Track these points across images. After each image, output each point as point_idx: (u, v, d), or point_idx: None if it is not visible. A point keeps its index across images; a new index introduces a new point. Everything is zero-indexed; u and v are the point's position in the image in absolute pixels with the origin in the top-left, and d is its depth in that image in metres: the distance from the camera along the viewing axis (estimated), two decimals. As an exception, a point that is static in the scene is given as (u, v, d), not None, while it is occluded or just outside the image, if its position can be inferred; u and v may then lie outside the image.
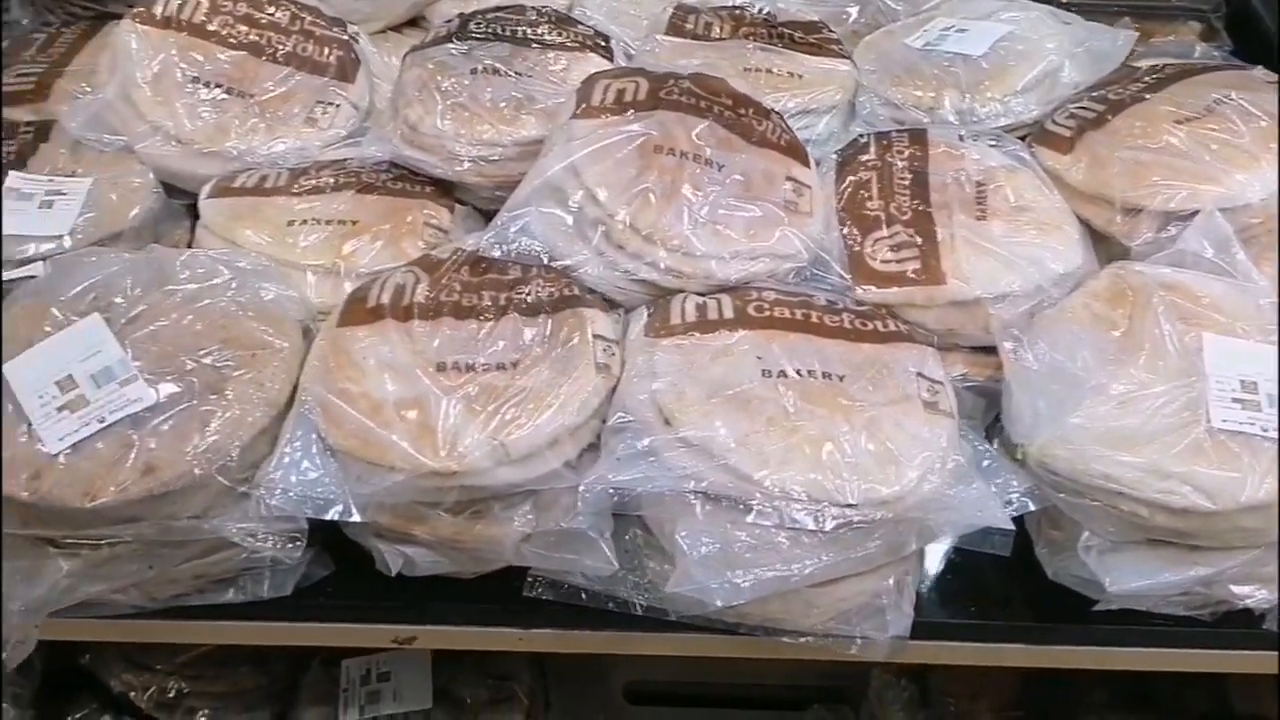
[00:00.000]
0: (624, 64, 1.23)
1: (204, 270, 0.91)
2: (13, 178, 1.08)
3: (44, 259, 1.02)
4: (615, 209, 0.95)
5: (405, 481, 0.82)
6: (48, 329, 0.86)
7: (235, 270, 0.92)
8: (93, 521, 0.81)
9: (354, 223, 1.06)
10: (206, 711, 1.27)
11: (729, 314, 0.92)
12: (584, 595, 0.91)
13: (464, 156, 1.11)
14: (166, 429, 0.81)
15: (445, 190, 1.13)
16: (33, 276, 1.01)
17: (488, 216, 1.15)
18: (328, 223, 1.06)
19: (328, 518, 0.82)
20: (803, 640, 0.88)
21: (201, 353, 0.86)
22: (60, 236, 1.03)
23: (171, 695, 1.27)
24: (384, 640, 0.96)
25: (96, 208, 1.06)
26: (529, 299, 0.92)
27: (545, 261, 0.96)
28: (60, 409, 0.81)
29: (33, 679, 1.26)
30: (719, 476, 0.81)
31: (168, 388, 0.83)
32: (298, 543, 0.82)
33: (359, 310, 0.91)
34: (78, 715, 1.28)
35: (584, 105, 1.02)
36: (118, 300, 0.88)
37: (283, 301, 0.91)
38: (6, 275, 1.01)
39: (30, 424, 0.81)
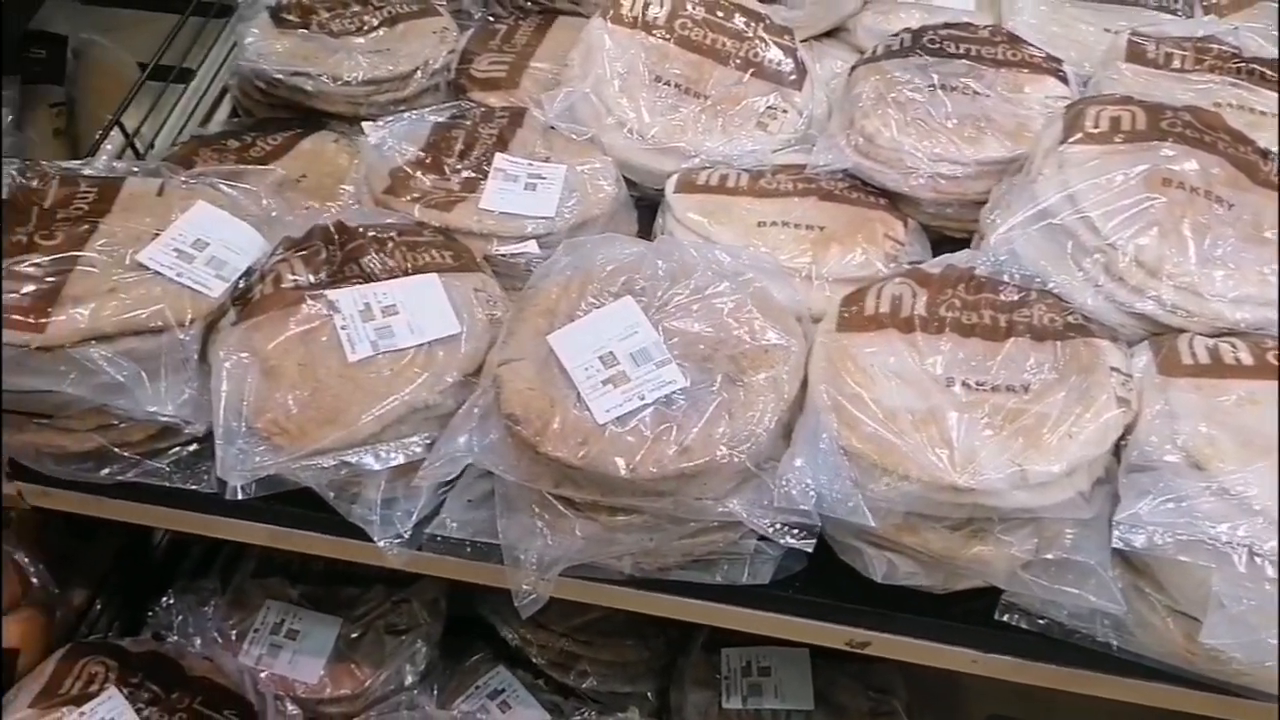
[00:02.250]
0: (1079, 89, 1.21)
1: (719, 264, 0.95)
2: (500, 159, 1.16)
3: (535, 238, 1.11)
4: (1117, 240, 0.94)
5: (917, 492, 0.84)
6: (584, 307, 0.92)
7: (744, 267, 0.96)
8: (625, 491, 0.86)
9: (821, 229, 1.10)
10: (594, 677, 1.33)
11: (1247, 360, 0.88)
12: (1057, 629, 0.90)
13: (922, 171, 1.12)
14: (695, 413, 0.86)
15: (895, 203, 1.15)
16: (526, 253, 1.10)
17: (928, 232, 1.17)
18: (796, 226, 1.10)
19: (839, 516, 0.84)
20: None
21: (721, 344, 0.90)
22: (551, 218, 1.10)
23: (563, 656, 1.34)
24: (838, 641, 0.98)
25: (575, 193, 1.13)
26: (1033, 322, 0.91)
27: (1040, 286, 0.95)
28: (604, 383, 0.87)
29: (439, 622, 1.36)
30: (1262, 530, 0.78)
31: (694, 374, 0.88)
32: (809, 535, 0.85)
33: (858, 317, 0.93)
34: (474, 659, 1.38)
35: (1077, 132, 1.00)
36: (643, 284, 0.93)
37: (787, 301, 0.95)
38: (499, 250, 1.10)
39: (579, 394, 0.87)
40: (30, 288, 0.95)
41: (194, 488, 0.99)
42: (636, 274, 0.95)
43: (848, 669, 1.30)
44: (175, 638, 1.29)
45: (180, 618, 1.34)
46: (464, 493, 0.97)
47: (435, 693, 1.33)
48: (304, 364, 0.96)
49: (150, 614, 1.34)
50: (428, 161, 1.15)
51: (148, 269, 0.99)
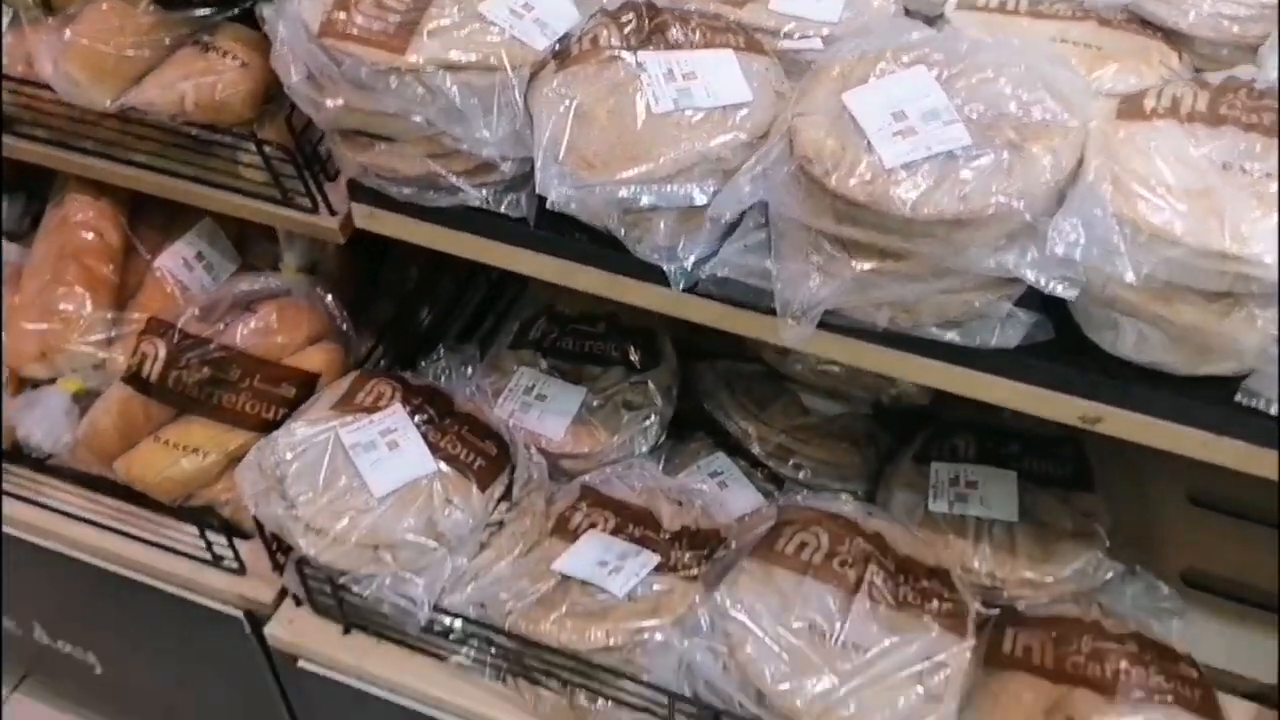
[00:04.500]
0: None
1: (1009, 47, 1.02)
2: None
3: (820, 37, 1.20)
4: None
5: (1182, 257, 0.90)
6: (876, 74, 1.01)
7: (1033, 52, 1.03)
8: (901, 232, 0.95)
9: (1099, 48, 1.15)
10: (807, 471, 1.44)
11: None
12: (1293, 415, 0.94)
13: (1204, 9, 1.15)
14: (976, 168, 0.94)
15: (1170, 39, 1.18)
16: (812, 48, 1.19)
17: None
18: (1075, 44, 1.15)
19: (1103, 269, 0.91)
20: None
21: (1005, 117, 0.97)
22: (835, 22, 1.19)
23: (780, 450, 1.45)
24: (1071, 415, 1.04)
25: (854, 5, 1.22)
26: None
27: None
28: (894, 135, 0.96)
29: (670, 406, 1.49)
30: None
31: (978, 137, 0.95)
32: (1073, 286, 0.92)
33: (1138, 109, 0.99)
34: (696, 444, 1.50)
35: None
36: (935, 58, 1.01)
37: (1074, 86, 1.01)
38: (786, 44, 1.20)
39: (870, 142, 0.96)
40: (394, 18, 1.10)
41: (506, 212, 1.14)
42: (928, 49, 1.03)
43: (1054, 492, 1.36)
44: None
45: (445, 373, 1.51)
46: (741, 239, 1.08)
47: (661, 464, 1.46)
48: (612, 111, 1.09)
49: (420, 366, 1.51)
50: (722, -35, 1.26)
51: (486, 19, 1.13)
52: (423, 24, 1.11)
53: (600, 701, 1.24)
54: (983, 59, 1.02)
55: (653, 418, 1.46)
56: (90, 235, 1.47)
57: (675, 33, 1.14)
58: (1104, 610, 1.26)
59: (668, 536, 1.32)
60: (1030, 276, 0.93)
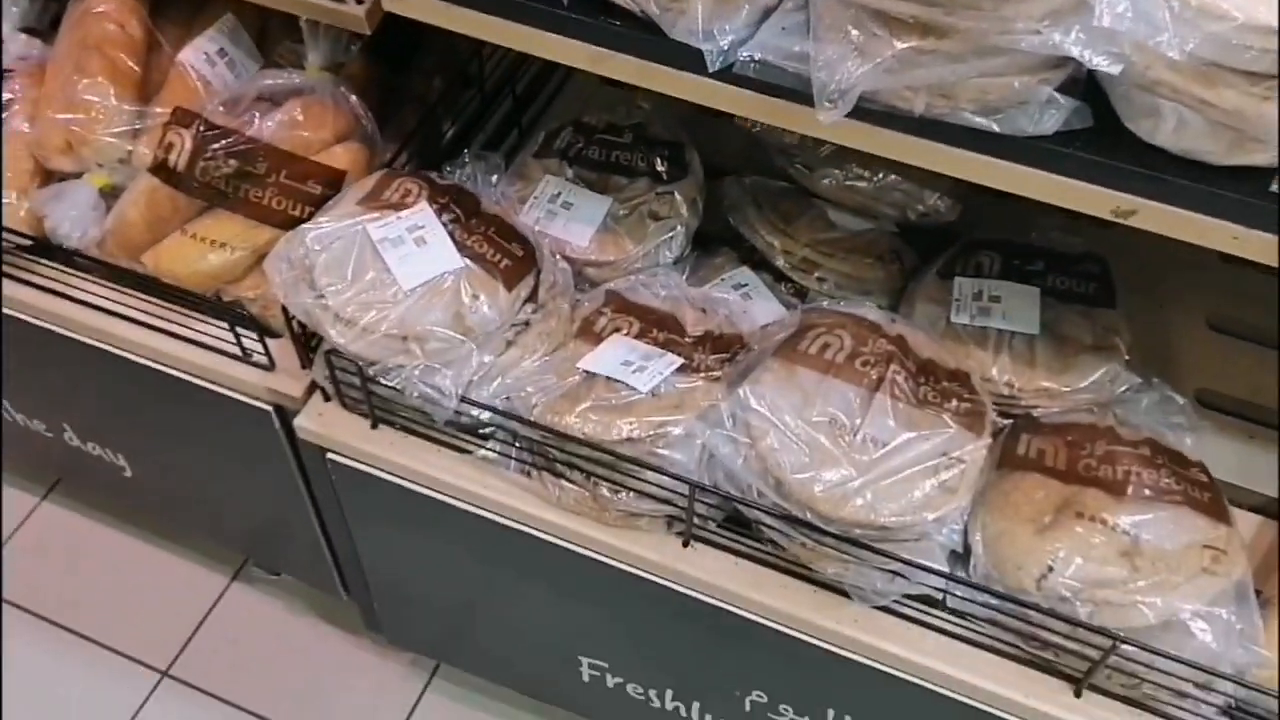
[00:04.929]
0: None
1: None
2: None
3: None
4: None
5: (1227, 33, 0.88)
6: None
7: None
8: (947, 2, 0.93)
9: None
10: (831, 283, 1.44)
11: None
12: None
13: None
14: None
15: None
16: None
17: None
18: None
19: (1150, 45, 0.89)
20: None
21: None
22: None
23: (805, 263, 1.45)
24: (1104, 208, 1.04)
25: None
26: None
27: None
28: (942, -99, 0.94)
29: (695, 218, 1.49)
30: None
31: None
32: (1117, 61, 0.91)
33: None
34: (721, 258, 1.51)
35: None
36: None
37: None
38: None
39: (914, -92, 0.94)
40: None
41: (536, -3, 1.12)
42: None
43: (1076, 308, 1.37)
44: (470, 187, 1.47)
45: (470, 179, 1.51)
46: (779, 21, 1.07)
47: (685, 275, 1.47)
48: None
49: (445, 171, 1.51)
50: None
51: None
52: None
53: (623, 493, 1.27)
54: None
55: (678, 228, 1.46)
56: (112, 26, 1.45)
57: None
58: (1119, 419, 1.28)
59: (691, 341, 1.34)
60: (1075, 51, 0.92)
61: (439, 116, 1.64)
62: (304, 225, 1.33)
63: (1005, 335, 1.35)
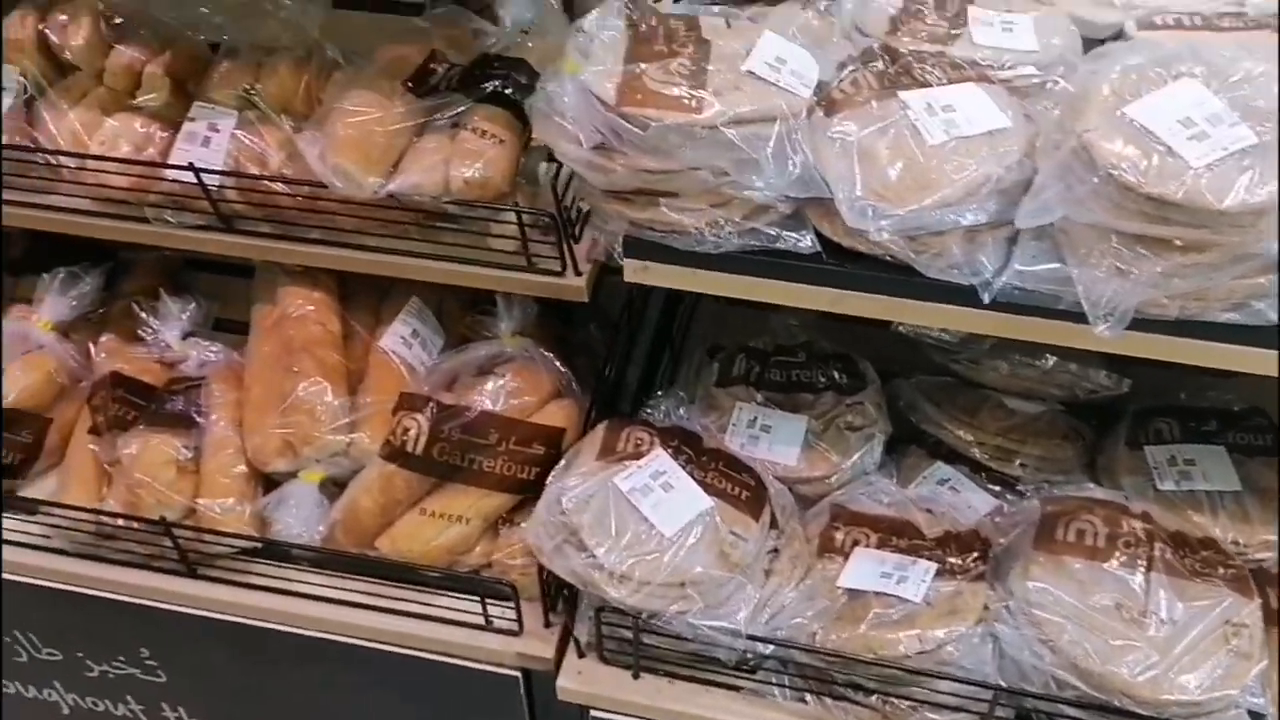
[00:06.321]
0: None
1: (1249, 52, 1.15)
2: (973, 10, 1.37)
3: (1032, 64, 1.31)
4: None
5: None
6: (1143, 91, 1.12)
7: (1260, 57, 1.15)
8: (1210, 224, 1.06)
9: (1292, 49, 1.29)
10: (1030, 467, 1.53)
11: None
12: None
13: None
14: (1268, 161, 1.05)
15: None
16: (1029, 74, 1.30)
17: None
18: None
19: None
20: None
21: (1272, 114, 1.09)
22: (1036, 51, 1.31)
23: (1000, 452, 1.54)
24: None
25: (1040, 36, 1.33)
26: None
27: None
28: (1189, 139, 1.07)
29: (886, 422, 1.57)
30: None
31: (1261, 134, 1.07)
32: None
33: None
34: (911, 458, 1.58)
35: None
36: (1195, 70, 1.13)
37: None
38: (1004, 74, 1.30)
39: (1170, 147, 1.06)
40: (681, 83, 1.18)
41: (788, 248, 1.22)
42: (1180, 64, 1.14)
43: (1261, 459, 1.47)
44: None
45: (666, 417, 1.57)
46: (1026, 250, 1.18)
47: (892, 478, 1.54)
48: (890, 148, 1.18)
49: (645, 412, 1.57)
50: (914, 10, 1.38)
51: (756, 75, 1.21)
52: (706, 85, 1.19)
53: (921, 708, 1.29)
54: (1235, 67, 1.14)
55: (876, 435, 1.54)
56: (317, 328, 1.50)
57: (919, 73, 1.24)
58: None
59: (932, 543, 1.39)
60: (1324, 252, 1.05)
61: (612, 360, 1.71)
62: (552, 490, 1.36)
63: (1214, 495, 1.44)
